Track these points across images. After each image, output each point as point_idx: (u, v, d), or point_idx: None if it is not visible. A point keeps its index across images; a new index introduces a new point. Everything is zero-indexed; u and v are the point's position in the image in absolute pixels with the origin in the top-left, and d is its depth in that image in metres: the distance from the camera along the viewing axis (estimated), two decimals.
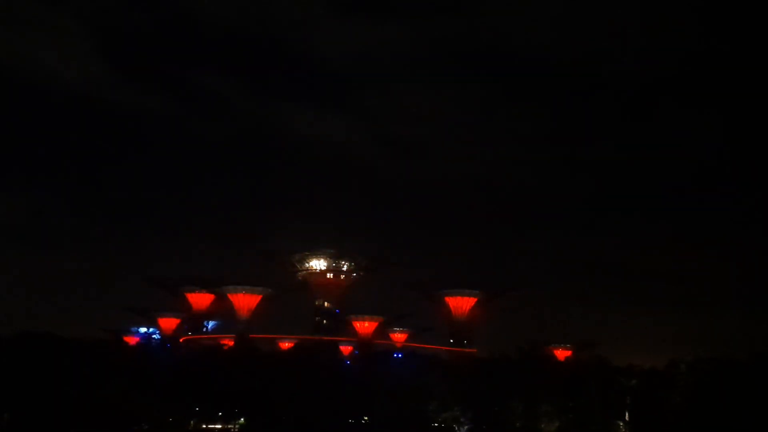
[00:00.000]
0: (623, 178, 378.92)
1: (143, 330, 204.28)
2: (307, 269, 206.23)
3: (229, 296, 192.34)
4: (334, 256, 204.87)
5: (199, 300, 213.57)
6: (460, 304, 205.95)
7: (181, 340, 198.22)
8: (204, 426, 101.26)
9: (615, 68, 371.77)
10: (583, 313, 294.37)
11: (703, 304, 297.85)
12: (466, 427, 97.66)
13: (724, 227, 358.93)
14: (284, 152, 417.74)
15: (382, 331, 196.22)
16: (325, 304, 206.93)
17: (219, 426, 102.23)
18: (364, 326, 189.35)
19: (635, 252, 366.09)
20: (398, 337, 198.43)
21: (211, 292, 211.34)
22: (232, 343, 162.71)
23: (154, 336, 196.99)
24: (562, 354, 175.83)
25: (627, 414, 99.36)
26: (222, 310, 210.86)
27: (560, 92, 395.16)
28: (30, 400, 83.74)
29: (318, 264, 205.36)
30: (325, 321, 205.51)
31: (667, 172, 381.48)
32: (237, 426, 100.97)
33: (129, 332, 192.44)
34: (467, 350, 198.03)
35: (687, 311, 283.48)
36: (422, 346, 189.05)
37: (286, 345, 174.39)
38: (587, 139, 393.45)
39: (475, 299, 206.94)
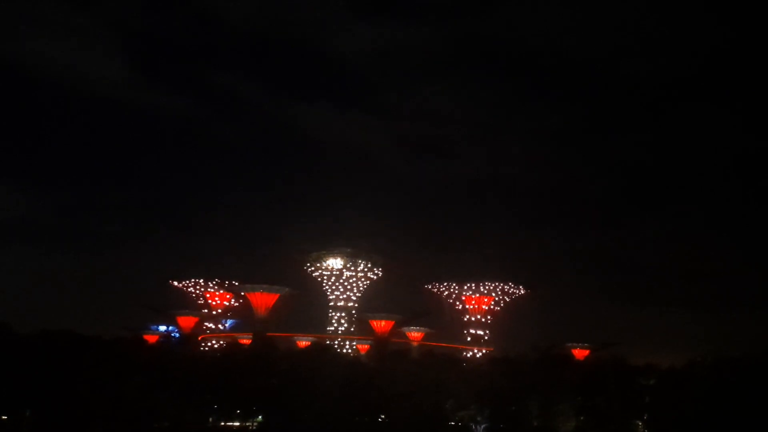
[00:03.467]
0: (644, 176, 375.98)
1: (162, 328, 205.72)
2: (324, 268, 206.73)
3: (247, 295, 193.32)
4: (350, 255, 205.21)
5: (218, 299, 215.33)
6: (478, 303, 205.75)
7: (199, 338, 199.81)
8: (222, 423, 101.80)
9: (635, 66, 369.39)
10: (602, 312, 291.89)
11: (724, 303, 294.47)
12: (483, 426, 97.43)
13: (745, 226, 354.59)
14: (303, 151, 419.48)
15: (399, 329, 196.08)
16: (342, 302, 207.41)
17: (237, 424, 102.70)
18: (381, 325, 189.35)
19: (655, 251, 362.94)
20: (415, 335, 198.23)
21: (229, 291, 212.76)
22: (249, 342, 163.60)
23: (173, 334, 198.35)
24: (580, 353, 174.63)
25: (645, 414, 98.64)
26: (240, 309, 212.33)
27: (580, 90, 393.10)
28: (51, 397, 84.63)
29: (335, 263, 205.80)
30: (342, 320, 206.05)
31: (688, 170, 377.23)
32: (255, 424, 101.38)
33: (148, 330, 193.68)
34: (485, 349, 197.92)
35: (707, 310, 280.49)
36: (439, 344, 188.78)
37: (303, 343, 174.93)
38: (608, 136, 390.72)
39: (493, 298, 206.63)
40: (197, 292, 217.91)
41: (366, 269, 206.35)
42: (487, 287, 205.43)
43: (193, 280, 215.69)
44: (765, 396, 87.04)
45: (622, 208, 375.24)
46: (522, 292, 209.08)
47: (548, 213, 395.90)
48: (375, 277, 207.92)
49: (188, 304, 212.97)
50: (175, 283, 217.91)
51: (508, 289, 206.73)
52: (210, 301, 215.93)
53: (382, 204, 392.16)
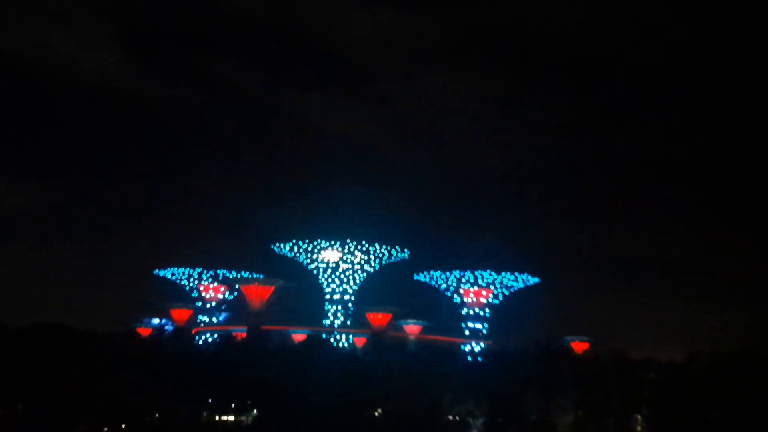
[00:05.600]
0: (646, 169, 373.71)
1: (155, 321, 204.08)
2: (320, 260, 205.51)
3: (241, 288, 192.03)
4: (347, 247, 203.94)
5: (212, 291, 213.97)
6: (476, 296, 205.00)
7: (193, 332, 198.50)
8: (217, 418, 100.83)
9: (642, 56, 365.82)
10: (601, 304, 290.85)
11: (724, 296, 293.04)
12: (480, 420, 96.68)
13: (749, 220, 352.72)
14: (300, 141, 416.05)
15: (396, 323, 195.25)
16: (338, 295, 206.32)
17: (232, 418, 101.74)
18: (378, 318, 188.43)
19: (655, 244, 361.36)
20: (412, 329, 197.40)
21: (222, 283, 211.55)
22: (243, 335, 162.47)
23: (166, 327, 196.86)
24: (579, 347, 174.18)
25: (645, 408, 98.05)
26: (234, 302, 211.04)
27: (587, 81, 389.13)
28: (42, 390, 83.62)
29: (331, 255, 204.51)
30: (338, 313, 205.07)
31: (696, 163, 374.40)
32: (250, 418, 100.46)
33: (141, 323, 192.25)
34: (483, 342, 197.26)
35: (707, 304, 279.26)
36: (437, 338, 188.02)
37: (298, 337, 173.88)
38: (615, 128, 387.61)
39: (491, 291, 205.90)
40: (190, 284, 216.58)
41: (363, 261, 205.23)
42: (485, 279, 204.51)
43: (187, 272, 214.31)
44: (765, 390, 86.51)
45: (625, 201, 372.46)
46: (522, 284, 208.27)
47: (551, 205, 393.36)
48: (372, 270, 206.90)
49: (182, 296, 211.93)
50: (169, 276, 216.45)
51: (507, 281, 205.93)
52: (204, 293, 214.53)
53: (380, 195, 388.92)
